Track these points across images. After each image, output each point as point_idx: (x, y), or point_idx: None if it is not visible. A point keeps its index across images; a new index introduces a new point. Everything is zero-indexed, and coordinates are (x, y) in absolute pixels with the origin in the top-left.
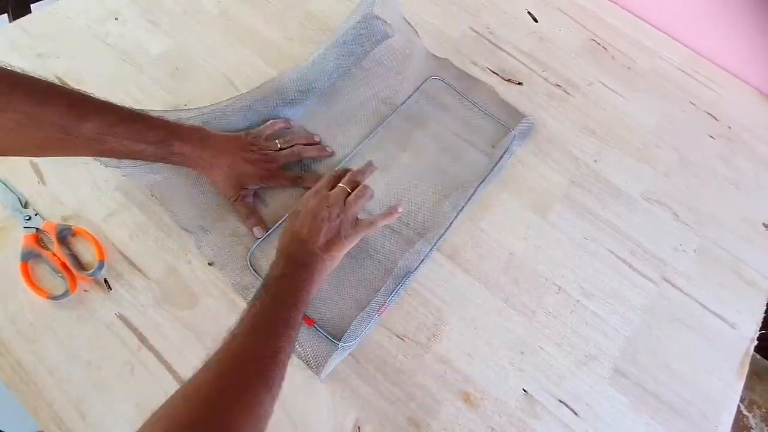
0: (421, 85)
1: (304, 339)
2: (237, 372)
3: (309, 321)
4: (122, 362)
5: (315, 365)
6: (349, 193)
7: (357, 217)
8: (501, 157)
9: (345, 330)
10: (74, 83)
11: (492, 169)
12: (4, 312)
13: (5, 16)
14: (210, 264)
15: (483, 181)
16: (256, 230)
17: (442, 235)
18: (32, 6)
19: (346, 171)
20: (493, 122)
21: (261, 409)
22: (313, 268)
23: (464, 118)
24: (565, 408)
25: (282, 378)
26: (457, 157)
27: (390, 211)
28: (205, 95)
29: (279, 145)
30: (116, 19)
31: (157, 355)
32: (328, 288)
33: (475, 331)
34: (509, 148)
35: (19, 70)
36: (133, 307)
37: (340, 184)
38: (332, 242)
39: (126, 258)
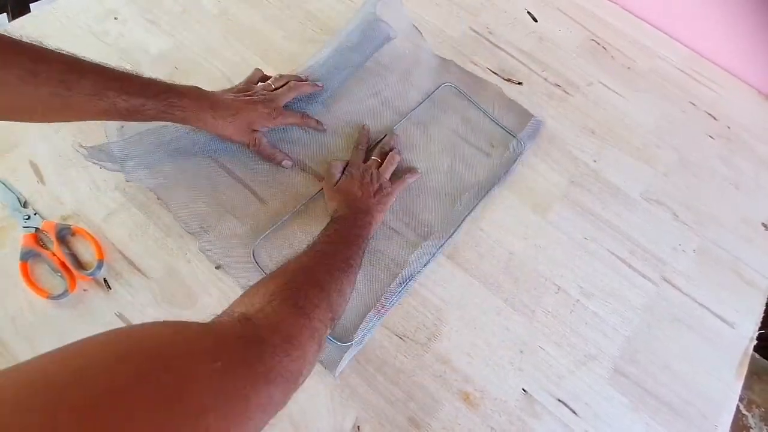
0: (433, 92)
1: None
2: (317, 268)
3: None
4: None
5: (328, 364)
6: (380, 163)
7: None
8: (513, 163)
9: (350, 329)
10: None
11: (503, 175)
12: (4, 311)
13: (5, 15)
14: (217, 268)
15: (494, 186)
16: (285, 163)
17: (450, 236)
18: (32, 5)
19: (374, 145)
20: (503, 129)
21: (338, 296)
22: (371, 214)
23: (473, 122)
24: (564, 408)
25: (353, 280)
26: (467, 163)
27: (412, 171)
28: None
29: (273, 85)
30: (116, 18)
31: None
32: None
33: (474, 330)
34: (522, 153)
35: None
36: (133, 307)
37: (373, 157)
38: (381, 196)
39: (125, 257)
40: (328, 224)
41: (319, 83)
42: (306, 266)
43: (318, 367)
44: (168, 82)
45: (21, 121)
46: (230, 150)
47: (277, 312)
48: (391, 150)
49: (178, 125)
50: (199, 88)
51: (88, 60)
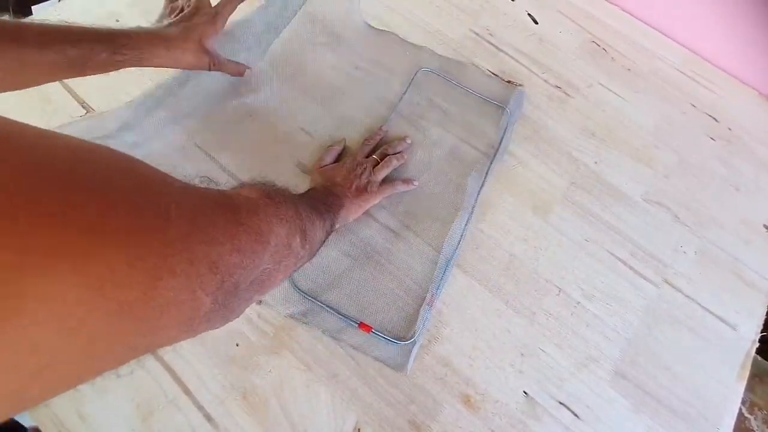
0: (413, 78)
1: (377, 346)
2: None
3: (366, 328)
4: None
5: (396, 366)
6: (378, 162)
7: (382, 181)
8: (502, 138)
9: (405, 328)
10: (75, 85)
11: (496, 153)
12: None
13: (7, 17)
14: (258, 302)
15: (490, 163)
16: (247, 72)
17: (472, 212)
18: (33, 8)
19: (376, 138)
20: (490, 104)
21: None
22: (342, 200)
23: (458, 102)
24: (565, 410)
25: (321, 231)
26: (461, 160)
27: (406, 180)
28: (204, 97)
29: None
30: (117, 21)
31: (156, 356)
32: (376, 295)
33: (475, 332)
34: (513, 123)
35: None
36: None
37: (374, 156)
38: (361, 192)
39: None
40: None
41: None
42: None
43: (318, 370)
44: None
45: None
46: (227, 149)
47: (245, 191)
48: (395, 153)
49: (126, 116)
50: (142, 27)
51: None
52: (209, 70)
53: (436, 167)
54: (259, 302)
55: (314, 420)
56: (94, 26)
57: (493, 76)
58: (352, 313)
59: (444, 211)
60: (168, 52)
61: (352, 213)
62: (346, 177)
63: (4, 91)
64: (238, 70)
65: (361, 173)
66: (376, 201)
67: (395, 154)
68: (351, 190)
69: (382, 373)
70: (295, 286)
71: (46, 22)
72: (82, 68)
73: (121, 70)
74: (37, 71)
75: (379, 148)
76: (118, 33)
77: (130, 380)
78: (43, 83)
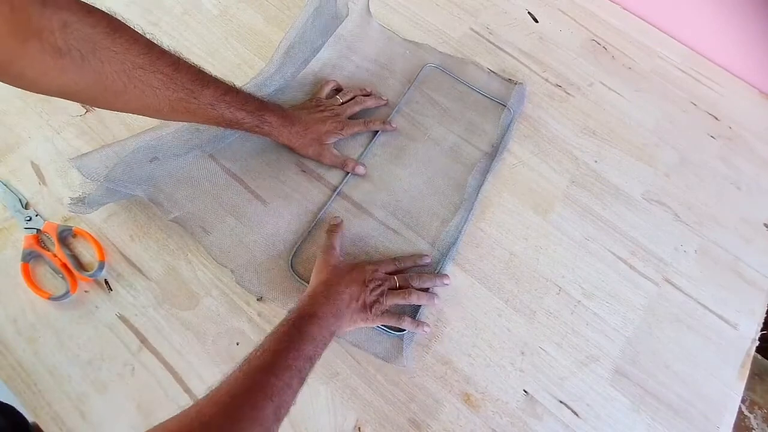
0: (418, 74)
1: (374, 340)
2: (245, 394)
3: None
4: (123, 363)
5: (392, 359)
6: (396, 288)
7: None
8: (503, 136)
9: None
10: None
11: (496, 152)
12: (5, 312)
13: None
14: (259, 299)
15: (491, 162)
16: (360, 169)
17: (471, 209)
18: None
19: (408, 263)
20: (490, 99)
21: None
22: (334, 329)
23: (460, 98)
24: (565, 409)
25: (290, 401)
26: (461, 158)
27: (418, 323)
28: None
29: (341, 100)
30: None
31: (157, 355)
32: None
33: (475, 331)
34: (511, 122)
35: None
36: (134, 308)
37: (395, 277)
38: (362, 309)
39: (126, 258)
40: (292, 324)
41: (383, 97)
42: (257, 405)
43: (318, 368)
44: (260, 98)
45: (147, 116)
46: (229, 150)
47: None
48: (421, 289)
49: (154, 143)
50: (281, 106)
51: (207, 72)
52: (315, 160)
53: (437, 166)
54: (260, 299)
55: (314, 418)
56: (248, 93)
57: (493, 75)
58: None
59: (444, 210)
60: (289, 134)
61: (342, 332)
62: (353, 295)
63: (167, 120)
64: (348, 167)
65: (373, 289)
66: (372, 325)
67: (421, 289)
68: (354, 303)
69: (382, 372)
70: (296, 278)
71: (218, 78)
72: (229, 127)
73: None
74: (201, 117)
75: (404, 272)
76: (264, 107)
77: (131, 379)
78: (197, 123)
